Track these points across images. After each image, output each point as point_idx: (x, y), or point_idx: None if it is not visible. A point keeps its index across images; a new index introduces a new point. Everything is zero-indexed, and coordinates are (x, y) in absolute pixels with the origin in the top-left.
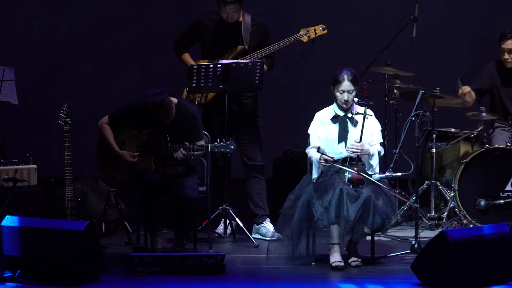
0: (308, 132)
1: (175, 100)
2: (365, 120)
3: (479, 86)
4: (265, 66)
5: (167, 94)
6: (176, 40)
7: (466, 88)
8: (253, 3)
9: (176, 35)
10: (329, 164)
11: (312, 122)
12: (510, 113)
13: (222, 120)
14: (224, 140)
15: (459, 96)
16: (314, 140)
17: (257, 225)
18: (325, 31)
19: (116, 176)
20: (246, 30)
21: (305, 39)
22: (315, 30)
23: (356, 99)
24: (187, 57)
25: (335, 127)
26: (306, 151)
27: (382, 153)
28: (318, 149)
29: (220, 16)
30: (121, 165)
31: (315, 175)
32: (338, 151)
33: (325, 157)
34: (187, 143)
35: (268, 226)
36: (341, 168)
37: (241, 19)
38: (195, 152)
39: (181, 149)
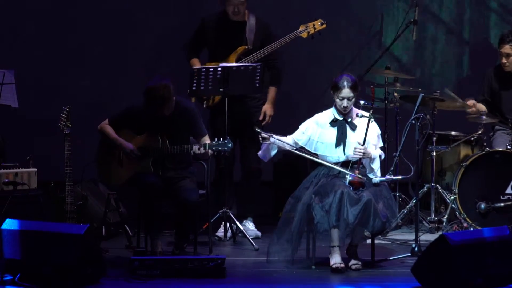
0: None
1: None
2: (370, 123)
3: (486, 97)
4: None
5: None
6: (185, 46)
7: (471, 101)
8: (254, 1)
9: (185, 41)
10: (268, 142)
11: (308, 120)
12: (510, 116)
13: (225, 123)
14: (221, 138)
15: (471, 111)
16: (296, 133)
17: (240, 223)
18: (324, 26)
19: (115, 177)
20: (250, 31)
21: (304, 35)
22: (313, 25)
23: (362, 102)
24: (195, 62)
25: (333, 131)
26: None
27: (383, 156)
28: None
29: (224, 17)
30: (120, 167)
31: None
32: (335, 155)
33: (263, 135)
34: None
35: (248, 225)
36: (340, 171)
37: (246, 19)
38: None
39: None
